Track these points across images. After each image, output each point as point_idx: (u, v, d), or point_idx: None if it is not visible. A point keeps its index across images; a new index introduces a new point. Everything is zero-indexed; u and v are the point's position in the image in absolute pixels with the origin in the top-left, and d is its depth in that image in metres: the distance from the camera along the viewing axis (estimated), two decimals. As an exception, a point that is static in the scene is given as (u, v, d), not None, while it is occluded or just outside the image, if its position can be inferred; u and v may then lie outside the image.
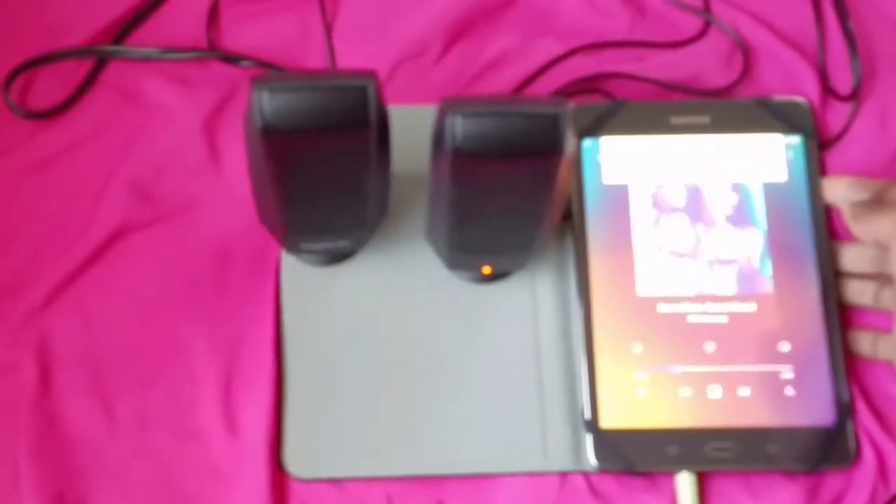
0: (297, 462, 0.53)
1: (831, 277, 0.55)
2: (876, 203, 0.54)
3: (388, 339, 0.55)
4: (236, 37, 0.60)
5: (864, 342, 0.55)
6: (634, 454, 0.53)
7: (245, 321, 0.55)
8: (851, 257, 0.55)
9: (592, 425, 0.53)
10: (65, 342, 0.54)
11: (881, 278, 0.54)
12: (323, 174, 0.48)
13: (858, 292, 0.55)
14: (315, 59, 0.60)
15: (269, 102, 0.44)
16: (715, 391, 0.54)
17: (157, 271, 0.56)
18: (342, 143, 0.46)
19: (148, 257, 0.56)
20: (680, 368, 0.54)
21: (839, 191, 0.55)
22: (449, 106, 0.45)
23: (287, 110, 0.44)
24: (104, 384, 0.54)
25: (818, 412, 0.53)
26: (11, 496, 0.51)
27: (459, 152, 0.45)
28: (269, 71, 0.59)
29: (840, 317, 0.55)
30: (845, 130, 0.59)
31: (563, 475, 0.53)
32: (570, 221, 0.56)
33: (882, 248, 0.53)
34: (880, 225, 0.53)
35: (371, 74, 0.45)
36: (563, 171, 0.47)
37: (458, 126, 0.44)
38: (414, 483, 0.53)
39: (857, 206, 0.54)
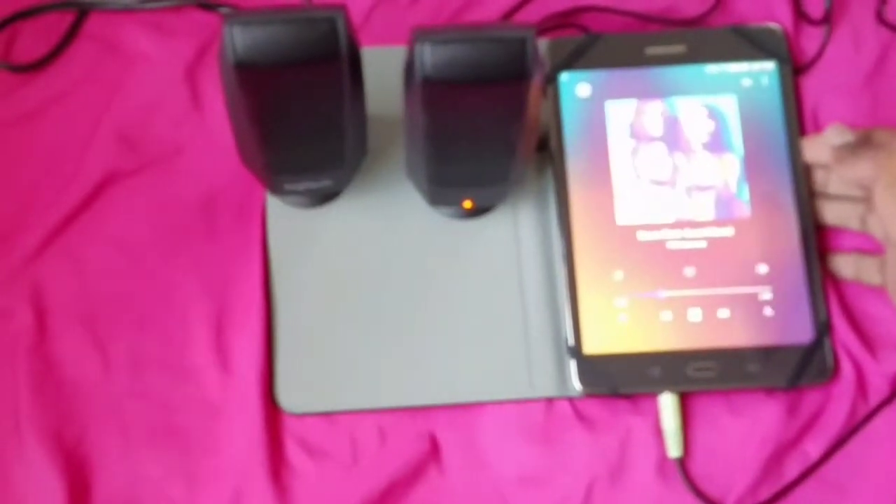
0: (289, 397, 0.54)
1: (808, 199, 0.56)
2: (860, 146, 0.53)
3: (374, 276, 0.56)
4: (214, -16, 0.61)
5: (846, 265, 0.55)
6: (618, 377, 0.54)
7: (233, 262, 0.56)
8: (837, 179, 0.55)
9: (576, 351, 0.54)
10: (58, 288, 0.55)
11: (868, 202, 0.54)
12: (298, 109, 0.48)
13: (845, 216, 0.55)
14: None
15: (240, 37, 0.45)
16: (695, 314, 0.55)
17: (145, 217, 0.57)
18: (315, 75, 0.46)
19: (136, 204, 0.57)
20: (660, 293, 0.55)
21: (822, 139, 0.54)
22: (418, 36, 0.45)
23: (259, 44, 0.45)
24: (97, 328, 0.55)
25: (796, 331, 0.54)
26: (12, 436, 0.53)
27: (430, 81, 0.45)
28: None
29: (818, 238, 0.56)
30: (819, 55, 0.59)
31: (550, 401, 0.54)
32: (549, 153, 0.57)
33: (866, 190, 0.53)
34: (861, 167, 0.52)
35: (341, 7, 0.46)
36: (534, 96, 0.47)
37: (427, 54, 0.45)
38: (404, 414, 0.54)
39: (841, 150, 0.53)
